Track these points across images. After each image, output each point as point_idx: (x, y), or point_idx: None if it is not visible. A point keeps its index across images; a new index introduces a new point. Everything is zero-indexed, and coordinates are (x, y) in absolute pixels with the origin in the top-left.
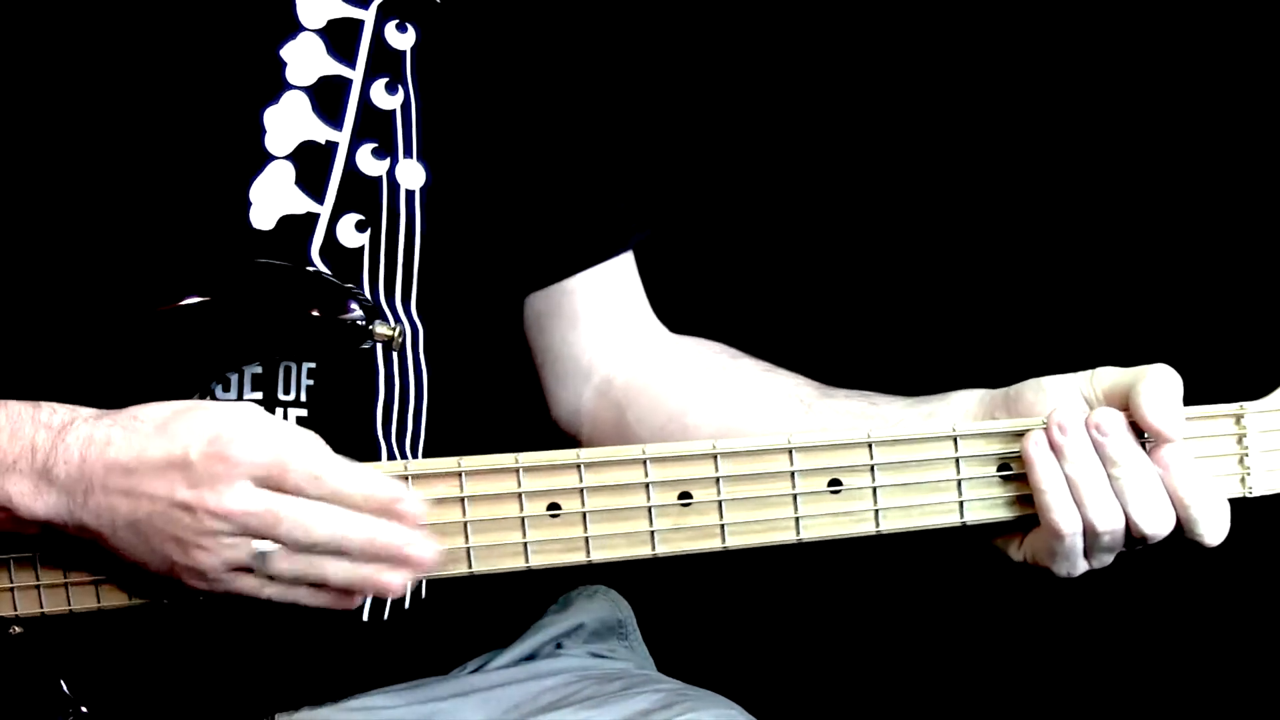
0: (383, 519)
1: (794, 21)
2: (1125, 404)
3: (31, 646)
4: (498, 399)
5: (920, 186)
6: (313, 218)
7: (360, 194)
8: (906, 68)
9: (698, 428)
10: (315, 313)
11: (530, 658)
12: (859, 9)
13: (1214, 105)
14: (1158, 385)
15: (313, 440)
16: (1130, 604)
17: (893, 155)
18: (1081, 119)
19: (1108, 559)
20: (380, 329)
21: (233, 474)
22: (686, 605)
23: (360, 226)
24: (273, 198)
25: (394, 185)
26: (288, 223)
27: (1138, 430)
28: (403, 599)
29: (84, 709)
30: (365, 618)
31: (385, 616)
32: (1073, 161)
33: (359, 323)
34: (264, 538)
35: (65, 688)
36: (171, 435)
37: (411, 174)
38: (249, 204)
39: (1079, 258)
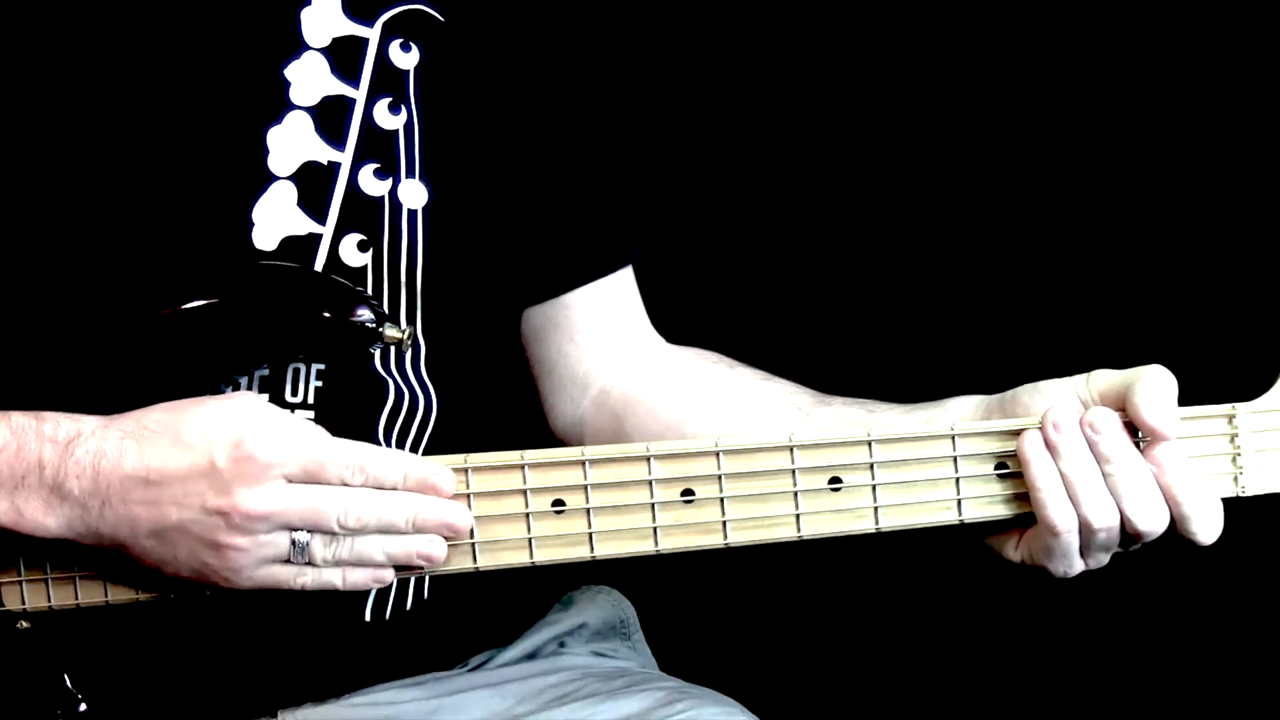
0: (420, 494)
1: (786, 40)
2: (1121, 406)
3: (37, 641)
4: (500, 412)
5: (914, 192)
6: (315, 238)
7: (362, 214)
8: (897, 83)
9: (695, 437)
10: (326, 314)
11: (532, 656)
12: (850, 23)
13: (1210, 107)
14: (1153, 385)
15: (320, 430)
16: (1126, 604)
17: (888, 161)
18: (1073, 126)
19: (1104, 558)
20: (390, 331)
21: (264, 475)
22: (689, 606)
23: (362, 246)
24: (275, 218)
25: (396, 205)
26: (290, 243)
27: (1132, 431)
28: (405, 599)
29: (83, 706)
30: (368, 617)
31: (387, 616)
32: (1065, 169)
33: (369, 325)
34: (308, 530)
35: (68, 683)
36: (189, 443)
37: (414, 194)
38: (251, 224)
39: (1072, 263)
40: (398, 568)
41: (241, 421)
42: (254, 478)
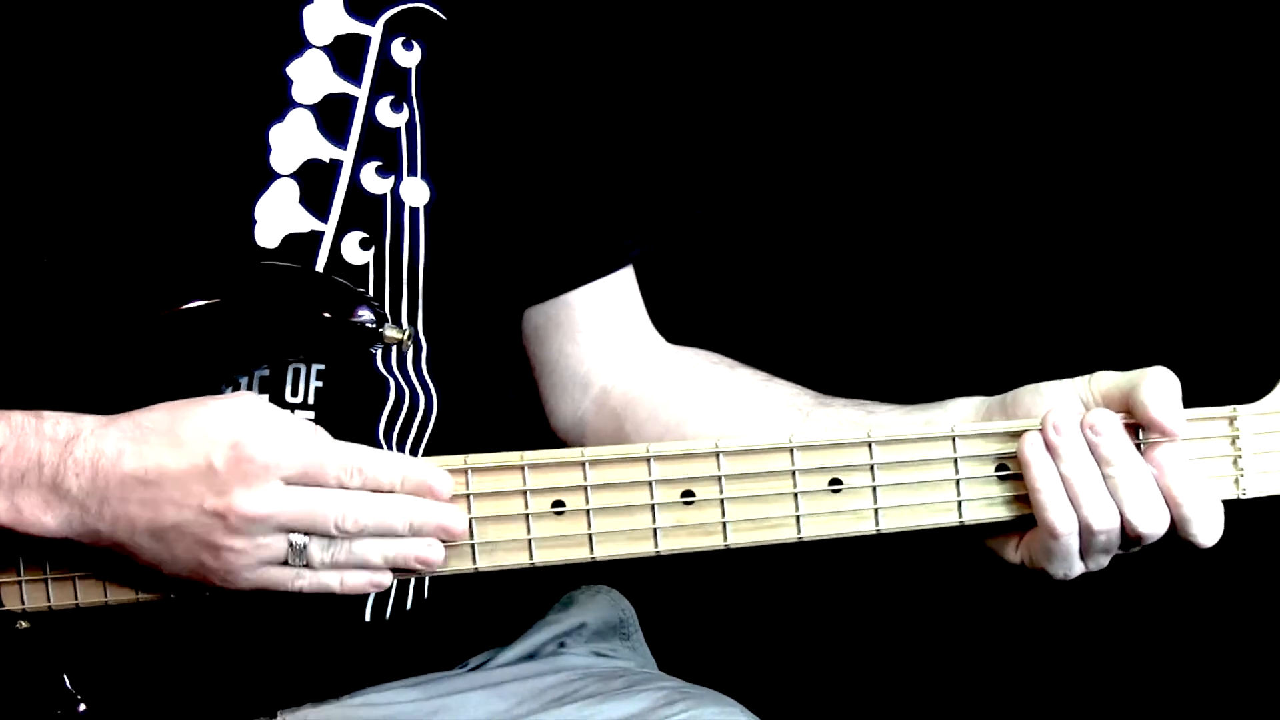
0: (418, 498)
1: (787, 41)
2: (1122, 407)
3: (37, 641)
4: (500, 412)
5: (915, 193)
6: (317, 236)
7: (364, 212)
8: (897, 83)
9: (696, 437)
10: (326, 314)
11: (532, 656)
12: (850, 24)
13: (1210, 107)
14: (1159, 384)
15: (321, 432)
16: (1127, 606)
17: (888, 162)
18: (1073, 126)
19: (1104, 560)
20: (390, 332)
21: (262, 477)
22: (689, 606)
23: (364, 244)
24: (277, 216)
25: (398, 203)
26: (292, 241)
27: (1133, 433)
28: (405, 599)
29: (82, 706)
30: (368, 617)
31: (387, 616)
32: (1067, 169)
33: (369, 325)
34: (306, 532)
35: (68, 683)
36: (187, 443)
37: (415, 192)
38: (254, 222)
39: (1073, 265)
40: (395, 570)
41: (240, 422)
42: (252, 479)
